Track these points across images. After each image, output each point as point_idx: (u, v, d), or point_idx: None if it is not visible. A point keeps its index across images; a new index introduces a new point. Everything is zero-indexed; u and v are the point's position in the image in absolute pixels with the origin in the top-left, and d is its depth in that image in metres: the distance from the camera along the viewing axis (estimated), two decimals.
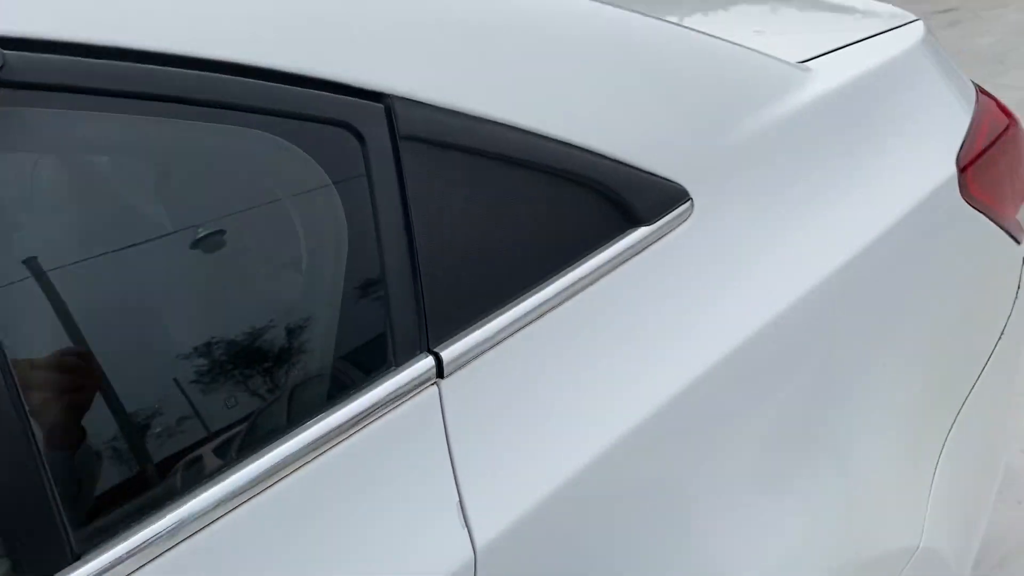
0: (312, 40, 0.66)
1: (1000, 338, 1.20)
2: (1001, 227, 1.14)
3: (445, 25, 0.73)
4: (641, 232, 0.81)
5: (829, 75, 1.01)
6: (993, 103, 1.17)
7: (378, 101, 0.68)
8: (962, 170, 1.05)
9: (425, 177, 0.70)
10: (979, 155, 1.08)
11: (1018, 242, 1.22)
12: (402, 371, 0.67)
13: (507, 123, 0.74)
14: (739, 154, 0.89)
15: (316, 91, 0.65)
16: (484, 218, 0.73)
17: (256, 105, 0.63)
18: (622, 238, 0.80)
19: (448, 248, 0.71)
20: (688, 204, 0.85)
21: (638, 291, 0.80)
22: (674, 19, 1.04)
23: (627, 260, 0.80)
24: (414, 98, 0.70)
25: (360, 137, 0.67)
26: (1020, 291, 1.24)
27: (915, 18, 1.22)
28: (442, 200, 0.71)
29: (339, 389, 0.67)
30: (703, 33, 0.93)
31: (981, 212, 1.08)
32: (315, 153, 0.66)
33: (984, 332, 1.18)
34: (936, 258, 1.03)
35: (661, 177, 0.83)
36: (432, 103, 0.71)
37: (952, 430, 1.14)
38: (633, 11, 0.87)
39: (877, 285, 0.96)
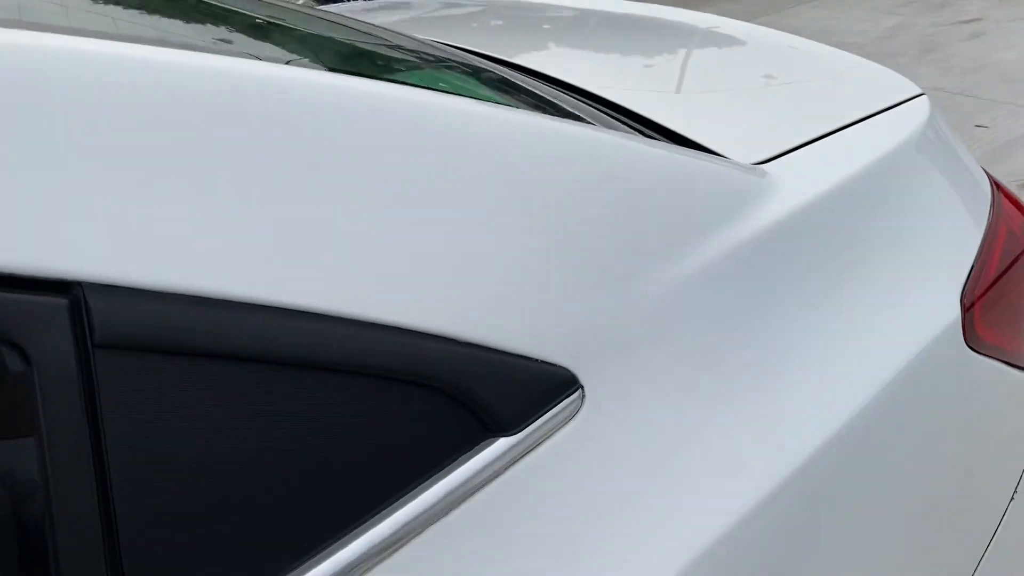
0: None
1: (1013, 496, 0.96)
2: (1018, 367, 0.89)
3: (170, 152, 0.49)
4: (500, 445, 0.57)
5: (795, 183, 0.77)
6: (1014, 207, 0.92)
7: (60, 293, 0.45)
8: (968, 307, 0.80)
9: (137, 408, 0.46)
10: (992, 285, 0.83)
11: None
12: None
13: (277, 305, 0.50)
14: (656, 312, 0.65)
15: None
16: (236, 461, 0.49)
17: None
18: (467, 459, 0.56)
19: (174, 516, 0.47)
20: (576, 394, 0.60)
21: (488, 543, 0.56)
22: (594, 106, 0.80)
23: (473, 493, 0.55)
24: (121, 283, 0.46)
25: (24, 356, 0.44)
26: None
27: (919, 92, 0.96)
28: (168, 439, 0.47)
29: None
30: (603, 128, 0.69)
31: (992, 358, 0.83)
32: None
33: (993, 492, 0.93)
34: (927, 426, 0.78)
35: (534, 359, 0.59)
36: (153, 288, 0.47)
37: None
38: (491, 103, 0.63)
39: (850, 477, 0.72)
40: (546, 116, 0.69)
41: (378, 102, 0.58)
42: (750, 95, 0.99)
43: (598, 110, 0.95)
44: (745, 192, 0.73)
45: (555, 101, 0.95)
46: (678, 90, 1.02)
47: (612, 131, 0.74)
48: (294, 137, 0.53)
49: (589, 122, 0.85)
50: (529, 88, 0.97)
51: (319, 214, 0.52)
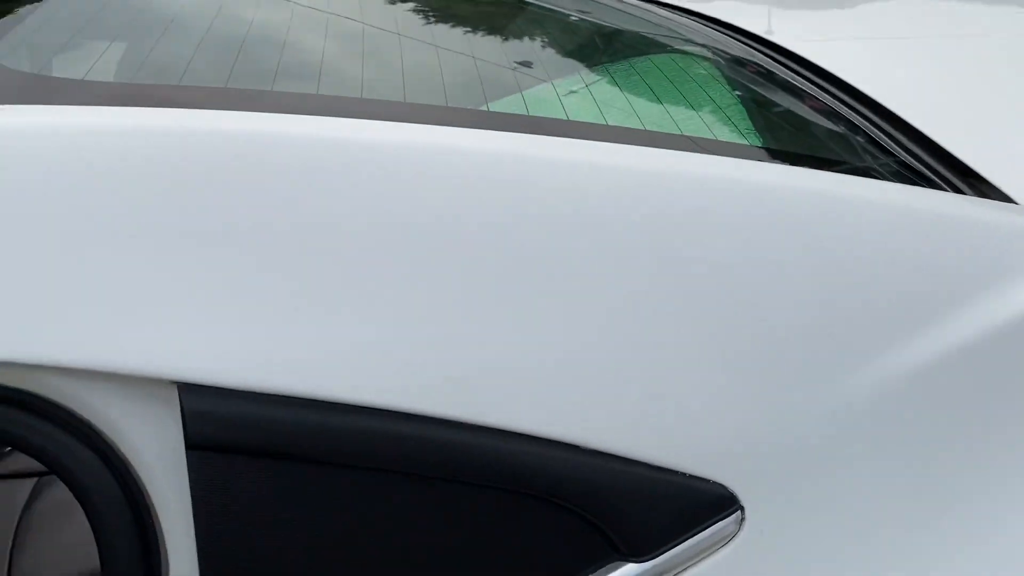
0: None
1: None
2: None
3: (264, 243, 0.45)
4: (627, 571, 0.49)
5: None
6: None
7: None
8: None
9: (237, 523, 0.44)
10: None
11: None
12: None
13: (387, 409, 0.45)
14: (857, 417, 0.52)
15: None
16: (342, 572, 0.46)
17: None
18: None
19: None
20: (733, 516, 0.50)
21: None
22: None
23: None
24: (221, 384, 0.44)
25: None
26: None
27: None
28: (269, 543, 0.45)
29: None
30: (804, 170, 0.55)
31: None
32: None
33: None
34: None
35: (682, 473, 0.49)
36: (254, 389, 0.44)
37: None
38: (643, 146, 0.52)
39: None
40: (723, 158, 0.56)
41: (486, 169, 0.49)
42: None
43: (838, 100, 0.79)
44: (1006, 249, 0.56)
45: (783, 81, 0.80)
46: (960, 81, 0.82)
47: (816, 172, 0.59)
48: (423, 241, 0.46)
49: (814, 145, 0.70)
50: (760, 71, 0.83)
51: (423, 314, 0.46)
